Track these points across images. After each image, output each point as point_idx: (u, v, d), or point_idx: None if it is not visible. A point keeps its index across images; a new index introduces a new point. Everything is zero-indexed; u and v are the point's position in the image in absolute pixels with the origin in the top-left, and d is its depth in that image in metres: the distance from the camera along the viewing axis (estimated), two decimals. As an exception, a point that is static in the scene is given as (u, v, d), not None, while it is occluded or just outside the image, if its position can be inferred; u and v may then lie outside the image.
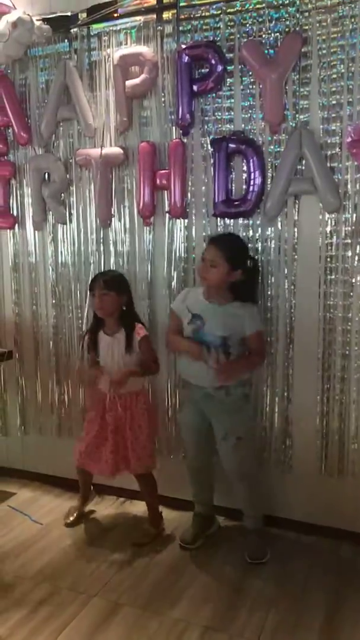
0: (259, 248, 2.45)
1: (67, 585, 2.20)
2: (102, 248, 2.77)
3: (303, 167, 2.34)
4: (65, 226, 2.84)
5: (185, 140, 2.52)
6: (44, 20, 2.64)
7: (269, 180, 2.39)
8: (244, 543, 2.41)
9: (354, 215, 2.29)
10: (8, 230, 3.00)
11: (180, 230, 2.59)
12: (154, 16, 2.49)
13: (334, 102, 2.27)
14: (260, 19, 2.33)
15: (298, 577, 2.25)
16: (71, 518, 2.66)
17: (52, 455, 3.04)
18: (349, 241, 2.32)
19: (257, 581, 2.22)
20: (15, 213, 2.96)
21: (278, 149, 2.37)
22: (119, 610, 2.06)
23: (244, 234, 2.45)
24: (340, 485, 2.46)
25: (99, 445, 2.46)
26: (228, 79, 2.42)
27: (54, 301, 2.93)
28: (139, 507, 2.75)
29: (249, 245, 2.41)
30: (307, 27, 2.27)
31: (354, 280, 2.33)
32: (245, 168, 2.42)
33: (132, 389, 2.44)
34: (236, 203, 2.44)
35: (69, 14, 2.63)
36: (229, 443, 2.33)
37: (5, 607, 2.07)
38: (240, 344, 2.26)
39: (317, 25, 2.26)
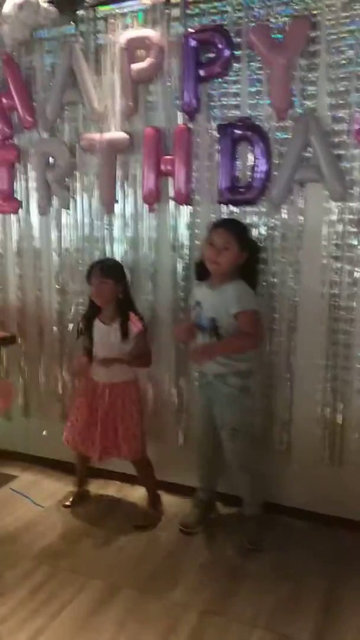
0: (264, 235, 2.43)
1: (66, 567, 2.23)
2: (105, 234, 2.77)
3: (309, 155, 2.32)
4: (69, 211, 2.83)
5: (190, 126, 2.50)
6: (50, 2, 2.61)
7: (275, 167, 2.37)
8: (243, 529, 2.42)
9: (360, 203, 2.28)
10: (12, 215, 2.99)
11: (185, 217, 2.58)
12: (162, -1, 2.47)
13: (342, 88, 2.24)
14: (268, 3, 2.30)
15: (296, 563, 2.26)
16: (70, 499, 2.70)
17: (54, 439, 3.04)
18: (355, 229, 2.31)
19: (255, 566, 2.24)
20: (19, 197, 2.96)
21: (284, 136, 2.35)
22: (118, 592, 2.08)
23: (249, 221, 2.44)
24: (340, 474, 2.47)
25: (90, 430, 2.49)
26: (235, 64, 2.40)
27: (57, 286, 2.93)
28: (140, 492, 2.77)
29: (254, 232, 2.41)
30: (316, 12, 2.24)
31: (358, 269, 2.32)
32: (251, 155, 2.40)
33: (124, 378, 2.47)
34: (241, 190, 2.43)
35: (75, -5, 2.61)
36: (225, 433, 2.35)
37: (5, 588, 2.10)
38: (231, 324, 2.24)
39: (327, 9, 2.22)
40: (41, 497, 2.79)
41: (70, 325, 2.91)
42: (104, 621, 1.93)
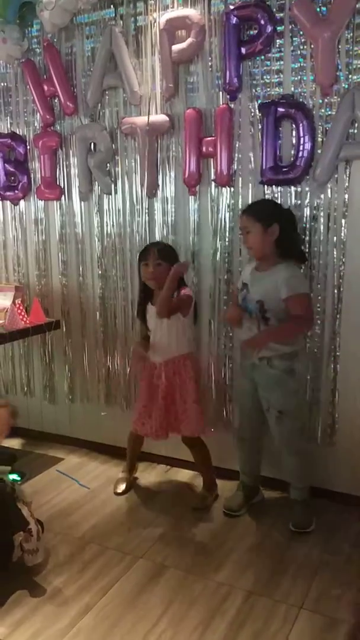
0: (308, 215, 2.38)
1: (113, 546, 2.27)
2: (147, 218, 2.77)
3: (355, 131, 2.25)
4: (110, 196, 2.85)
5: (232, 106, 2.46)
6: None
7: (319, 145, 2.31)
8: (289, 513, 2.41)
9: None
10: (55, 202, 3.03)
11: (227, 198, 2.55)
12: (201, -24, 2.43)
13: (390, 60, 2.17)
14: (312, -25, 2.24)
15: (343, 547, 2.24)
16: (122, 487, 2.70)
17: (98, 423, 3.10)
18: None
19: (301, 550, 2.22)
20: (61, 184, 2.99)
21: (329, 112, 2.29)
22: (164, 572, 2.11)
23: (292, 202, 2.40)
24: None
25: (151, 411, 2.49)
26: (277, 40, 2.35)
27: (100, 272, 2.96)
28: (184, 475, 2.80)
29: (298, 213, 2.36)
30: (362, -19, 2.16)
31: None
32: (294, 133, 2.35)
33: (179, 353, 2.45)
34: (285, 170, 2.39)
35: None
36: (271, 416, 2.33)
37: (56, 564, 2.16)
38: (280, 309, 2.20)
39: (373, -22, 2.14)
40: (87, 479, 2.84)
41: (113, 310, 2.93)
42: (150, 599, 1.96)
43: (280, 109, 2.34)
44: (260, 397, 2.36)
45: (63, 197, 3.00)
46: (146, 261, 2.41)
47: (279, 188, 2.43)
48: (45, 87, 2.89)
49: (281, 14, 2.32)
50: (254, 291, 2.26)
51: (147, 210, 2.76)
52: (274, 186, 2.44)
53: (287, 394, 2.30)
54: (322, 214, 2.37)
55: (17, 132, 3.07)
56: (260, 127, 2.40)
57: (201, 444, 2.57)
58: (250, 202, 2.44)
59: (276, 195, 2.43)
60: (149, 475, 2.87)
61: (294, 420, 2.34)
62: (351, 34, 2.21)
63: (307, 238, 2.39)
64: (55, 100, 2.91)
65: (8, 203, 3.19)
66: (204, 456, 2.61)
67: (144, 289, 2.51)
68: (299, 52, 2.32)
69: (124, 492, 2.68)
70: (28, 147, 3.06)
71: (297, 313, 2.19)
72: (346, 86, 2.24)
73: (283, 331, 2.24)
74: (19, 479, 2.20)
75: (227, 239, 2.58)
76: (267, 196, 2.45)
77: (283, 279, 2.18)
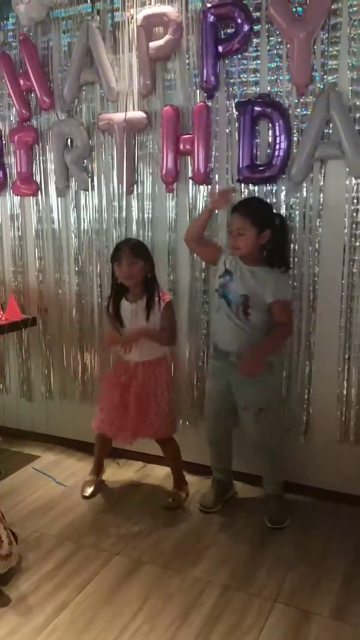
0: (284, 214, 2.41)
1: (90, 543, 2.27)
2: (124, 215, 2.76)
3: (330, 131, 2.28)
4: (87, 193, 2.83)
5: (209, 104, 2.47)
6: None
7: (295, 144, 2.34)
8: (264, 508, 2.44)
9: (382, 180, 2.25)
10: (31, 197, 3.00)
11: (204, 196, 2.56)
12: (179, -26, 2.43)
13: (364, 62, 2.20)
14: (288, -25, 2.26)
15: (317, 541, 2.28)
16: (89, 490, 2.64)
17: (74, 420, 3.09)
18: (376, 207, 2.28)
19: (276, 544, 2.25)
20: (38, 179, 2.96)
21: (305, 112, 2.32)
22: (140, 568, 2.12)
23: (268, 200, 2.41)
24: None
25: (121, 412, 2.47)
26: (254, 39, 2.36)
27: (76, 268, 2.94)
28: (159, 472, 2.80)
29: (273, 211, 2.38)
30: (337, -17, 2.19)
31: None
32: (270, 132, 2.37)
33: (156, 356, 2.46)
34: (261, 168, 2.40)
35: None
36: (250, 414, 2.34)
37: (32, 562, 2.15)
38: (262, 310, 2.23)
39: (348, -20, 2.17)
40: (63, 476, 2.83)
41: (90, 307, 2.93)
42: (127, 595, 1.97)
43: (257, 108, 2.36)
44: (237, 396, 2.36)
45: (39, 193, 2.97)
46: (119, 261, 2.38)
47: (255, 186, 2.45)
48: (21, 82, 2.85)
49: (258, 13, 2.33)
50: (240, 284, 2.24)
51: (124, 207, 2.76)
52: (250, 184, 2.45)
53: (266, 389, 2.33)
54: (297, 212, 2.40)
55: (-7, 127, 3.04)
56: (237, 125, 2.42)
57: (171, 441, 2.57)
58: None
59: (254, 193, 2.45)
60: (125, 472, 2.88)
61: (273, 416, 2.37)
62: (327, 35, 2.24)
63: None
64: (32, 95, 2.88)
65: (-17, 198, 3.16)
66: (174, 454, 2.60)
67: (117, 285, 2.48)
68: (275, 51, 2.34)
69: (91, 496, 2.62)
70: (4, 142, 3.03)
71: (281, 319, 2.24)
72: (321, 87, 2.27)
73: (273, 344, 2.28)
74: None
75: (204, 236, 2.58)
76: (243, 194, 2.46)
77: (271, 283, 2.21)
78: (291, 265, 2.38)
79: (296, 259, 2.43)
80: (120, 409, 2.47)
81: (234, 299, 2.25)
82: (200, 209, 2.56)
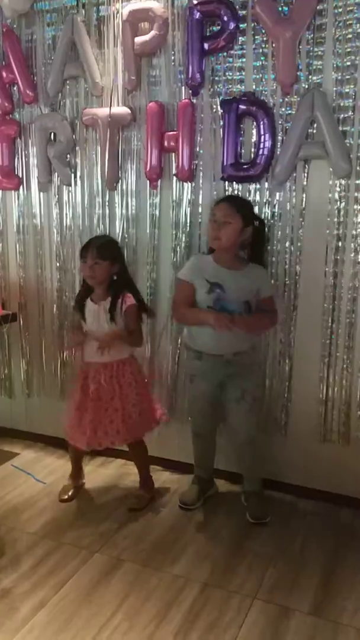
0: (267, 213, 2.42)
1: (69, 541, 2.25)
2: (107, 211, 2.74)
3: (314, 131, 2.29)
4: (70, 188, 2.81)
5: (194, 101, 2.46)
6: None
7: (279, 143, 2.35)
8: (246, 505, 2.45)
9: (365, 181, 2.26)
10: (13, 192, 2.96)
11: (188, 193, 2.56)
12: (165, -31, 2.42)
13: (348, 63, 2.21)
14: (274, -26, 2.26)
15: (296, 538, 2.29)
16: (67, 495, 2.57)
17: (55, 417, 3.05)
18: (359, 207, 2.29)
19: (255, 541, 2.26)
20: (20, 174, 2.93)
21: (289, 111, 2.33)
22: (120, 565, 2.11)
23: (252, 198, 2.42)
24: (339, 452, 2.49)
25: (81, 417, 2.38)
26: (240, 38, 2.36)
27: (58, 264, 2.91)
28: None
29: (256, 209, 2.39)
30: (323, -16, 2.20)
31: (361, 248, 2.32)
32: (255, 130, 2.37)
33: (118, 357, 2.37)
34: (245, 167, 2.41)
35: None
36: (244, 405, 2.34)
37: (9, 561, 2.12)
38: (258, 306, 2.28)
39: (334, -19, 2.19)
40: (43, 473, 2.81)
41: (71, 303, 2.90)
42: (106, 594, 1.96)
43: (242, 106, 2.36)
44: (231, 389, 2.35)
45: (21, 187, 2.94)
46: (84, 259, 2.32)
47: (239, 185, 2.45)
48: (4, 74, 2.81)
49: (244, 12, 2.33)
50: (235, 293, 2.20)
51: (107, 203, 2.74)
52: (234, 183, 2.46)
53: (259, 381, 2.44)
54: (280, 211, 2.41)
55: (-26, 119, 2.99)
56: (221, 123, 2.42)
57: (139, 443, 2.51)
58: (214, 197, 2.45)
59: (236, 192, 2.45)
60: (105, 469, 2.86)
61: (259, 408, 2.44)
62: (312, 35, 2.25)
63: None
64: (14, 88, 2.84)
65: (-36, 192, 3.11)
66: (141, 455, 2.56)
67: (85, 283, 2.42)
68: (260, 50, 2.34)
69: (69, 499, 2.56)
70: (-15, 135, 2.98)
71: (273, 310, 2.34)
72: (306, 86, 2.28)
73: (269, 321, 2.33)
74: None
75: (187, 234, 2.58)
76: (227, 192, 2.46)
77: (262, 280, 2.28)
78: (267, 264, 2.42)
79: (279, 258, 2.44)
80: (81, 413, 2.39)
81: (237, 309, 2.20)
82: (185, 206, 2.56)
